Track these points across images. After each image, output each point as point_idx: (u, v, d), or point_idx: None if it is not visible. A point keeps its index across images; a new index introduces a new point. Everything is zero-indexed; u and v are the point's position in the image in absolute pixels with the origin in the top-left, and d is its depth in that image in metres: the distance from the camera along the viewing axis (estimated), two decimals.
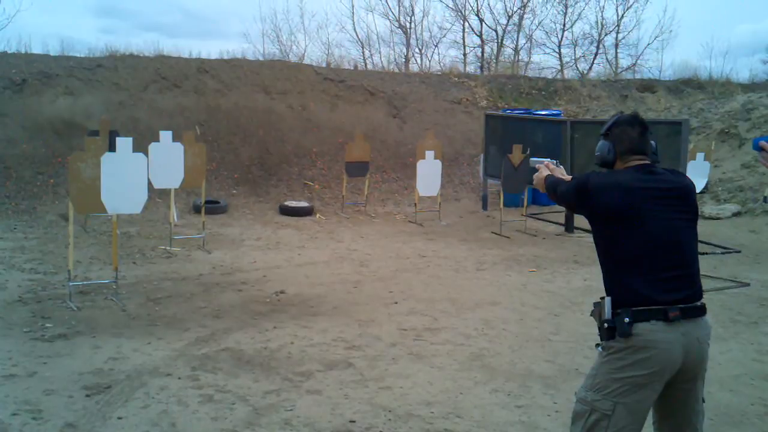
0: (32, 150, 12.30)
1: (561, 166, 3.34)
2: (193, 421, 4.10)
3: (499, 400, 4.58)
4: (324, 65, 19.22)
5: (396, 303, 6.98)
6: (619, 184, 2.74)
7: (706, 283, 2.95)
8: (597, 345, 2.78)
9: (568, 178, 3.13)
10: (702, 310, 2.70)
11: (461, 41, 33.16)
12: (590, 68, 31.30)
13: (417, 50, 33.20)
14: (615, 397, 2.61)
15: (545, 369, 5.19)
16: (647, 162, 2.86)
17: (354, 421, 4.16)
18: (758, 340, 6.04)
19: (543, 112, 16.21)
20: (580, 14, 34.43)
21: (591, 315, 2.82)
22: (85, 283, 7.22)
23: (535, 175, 3.30)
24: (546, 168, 3.28)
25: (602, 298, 2.74)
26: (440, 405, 4.45)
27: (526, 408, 4.44)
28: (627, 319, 2.60)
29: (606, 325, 2.67)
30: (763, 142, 2.47)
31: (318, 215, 12.62)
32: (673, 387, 2.69)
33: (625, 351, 2.62)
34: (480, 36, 33.11)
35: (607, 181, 2.78)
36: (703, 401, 2.81)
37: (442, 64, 29.45)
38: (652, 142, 2.91)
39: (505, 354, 5.51)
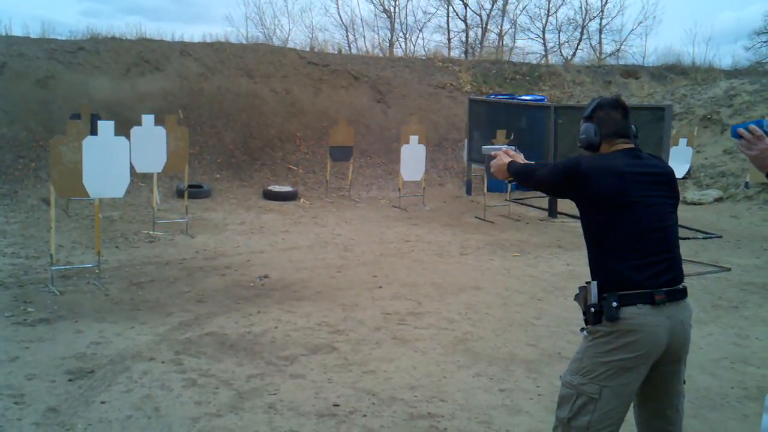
0: (13, 133, 12.14)
1: (520, 153, 3.26)
2: (177, 405, 4.09)
3: (482, 383, 4.60)
4: (308, 49, 19.09)
5: (380, 287, 6.99)
6: (612, 169, 2.70)
7: (687, 268, 2.97)
8: (582, 329, 2.78)
9: (532, 163, 3.09)
10: (684, 293, 2.72)
11: (446, 26, 33.21)
12: (574, 54, 31.46)
13: (401, 35, 33.20)
14: (601, 381, 2.61)
15: (528, 353, 5.22)
16: (633, 146, 2.84)
17: (338, 405, 4.17)
18: (738, 325, 6.11)
19: (527, 98, 16.23)
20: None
21: (575, 299, 2.81)
22: (67, 267, 7.17)
23: (494, 162, 3.17)
24: (505, 155, 3.21)
25: (588, 283, 2.73)
26: (424, 389, 4.47)
27: (509, 392, 4.47)
28: (614, 303, 2.60)
29: (593, 309, 2.66)
30: (741, 130, 2.47)
31: (302, 200, 12.58)
32: (657, 369, 2.70)
33: (611, 335, 2.62)
34: (464, 21, 33.13)
35: (600, 165, 2.73)
36: (684, 383, 2.83)
37: (426, 49, 29.41)
38: (633, 125, 2.90)
39: (489, 338, 5.54)
